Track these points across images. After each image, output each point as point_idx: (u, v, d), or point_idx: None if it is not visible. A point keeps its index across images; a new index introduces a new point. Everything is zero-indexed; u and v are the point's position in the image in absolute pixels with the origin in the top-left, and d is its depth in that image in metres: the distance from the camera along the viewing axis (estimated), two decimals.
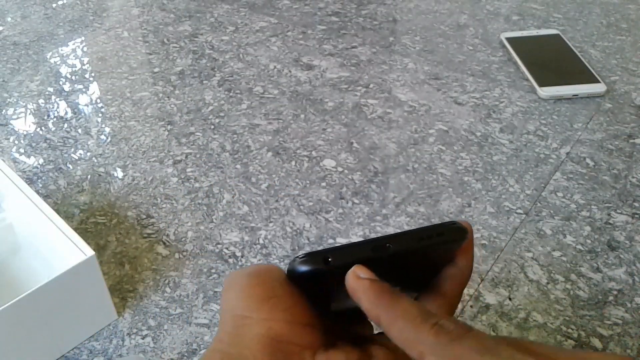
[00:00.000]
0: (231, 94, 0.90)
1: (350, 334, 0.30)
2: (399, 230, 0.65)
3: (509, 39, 0.98)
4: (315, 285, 0.26)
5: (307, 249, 0.64)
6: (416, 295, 0.30)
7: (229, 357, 0.25)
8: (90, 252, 0.52)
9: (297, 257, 0.26)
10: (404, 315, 0.24)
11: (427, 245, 0.26)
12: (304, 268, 0.25)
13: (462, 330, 0.23)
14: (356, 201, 0.70)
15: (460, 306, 0.58)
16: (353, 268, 0.25)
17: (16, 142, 0.82)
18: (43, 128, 0.85)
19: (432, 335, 0.23)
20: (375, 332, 0.30)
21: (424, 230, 0.26)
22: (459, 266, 0.29)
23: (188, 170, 0.76)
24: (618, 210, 0.68)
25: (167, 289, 0.61)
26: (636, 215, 0.67)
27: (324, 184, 0.73)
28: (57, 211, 0.58)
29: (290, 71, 0.94)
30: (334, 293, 0.27)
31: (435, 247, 0.26)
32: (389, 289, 0.25)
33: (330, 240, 0.65)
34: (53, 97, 0.91)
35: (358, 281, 0.25)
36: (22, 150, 0.81)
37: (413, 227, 0.66)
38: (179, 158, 0.78)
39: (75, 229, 0.60)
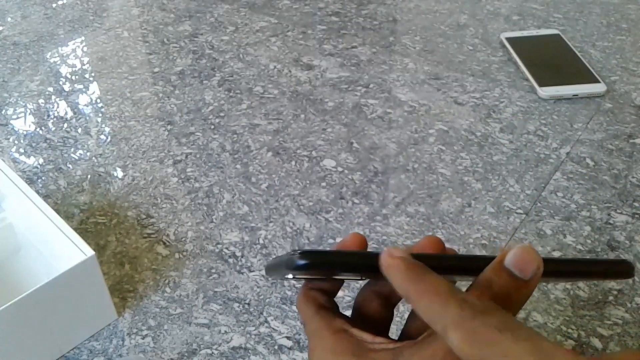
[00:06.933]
0: (231, 94, 0.90)
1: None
2: (398, 230, 0.65)
3: (509, 39, 0.98)
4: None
5: (308, 249, 0.64)
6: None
7: None
8: (90, 252, 0.52)
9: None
10: (432, 289, 0.24)
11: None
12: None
13: (488, 308, 0.23)
14: (356, 201, 0.70)
15: None
16: (387, 249, 0.27)
17: (16, 142, 0.82)
18: (43, 128, 0.85)
19: (456, 308, 0.23)
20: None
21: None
22: None
23: (188, 170, 0.76)
24: (618, 210, 0.68)
25: (167, 289, 0.61)
26: (636, 215, 0.67)
27: (324, 184, 0.73)
28: (57, 211, 0.58)
29: (290, 71, 0.94)
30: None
31: None
32: (420, 265, 0.26)
33: (330, 240, 0.65)
34: (53, 97, 0.91)
35: (390, 259, 0.26)
36: (22, 150, 0.81)
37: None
38: (179, 158, 0.78)
39: (75, 229, 0.60)
